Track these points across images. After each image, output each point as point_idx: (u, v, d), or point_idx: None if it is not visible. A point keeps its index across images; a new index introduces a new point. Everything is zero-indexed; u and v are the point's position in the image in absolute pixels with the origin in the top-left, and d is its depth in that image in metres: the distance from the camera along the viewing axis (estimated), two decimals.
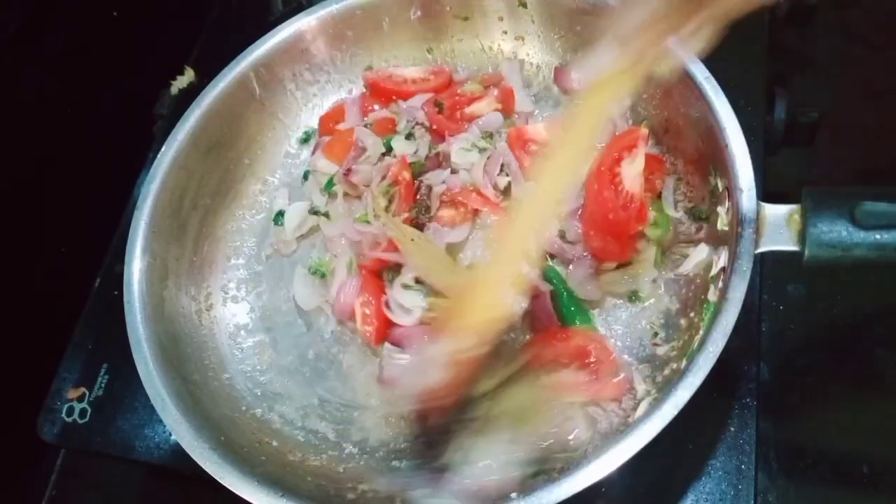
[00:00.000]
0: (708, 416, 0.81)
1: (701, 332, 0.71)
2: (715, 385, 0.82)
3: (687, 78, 0.79)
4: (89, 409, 0.91)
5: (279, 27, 0.96)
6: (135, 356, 0.78)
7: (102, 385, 0.92)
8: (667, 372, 0.77)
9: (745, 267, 0.68)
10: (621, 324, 0.83)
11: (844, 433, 0.81)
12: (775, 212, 0.71)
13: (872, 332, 0.84)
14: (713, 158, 0.79)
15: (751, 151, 0.75)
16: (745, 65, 0.93)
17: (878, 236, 0.65)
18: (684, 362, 0.70)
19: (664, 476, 0.80)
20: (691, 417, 0.81)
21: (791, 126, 0.94)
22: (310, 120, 1.02)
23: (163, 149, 0.90)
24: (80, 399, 0.92)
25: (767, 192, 0.87)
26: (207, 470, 0.71)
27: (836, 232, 0.67)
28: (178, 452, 0.73)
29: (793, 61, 1.00)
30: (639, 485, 0.80)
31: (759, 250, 0.69)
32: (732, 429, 0.80)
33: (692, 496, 0.79)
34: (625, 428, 0.69)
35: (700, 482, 0.79)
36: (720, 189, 0.78)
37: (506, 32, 0.99)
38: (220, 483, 0.69)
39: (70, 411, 0.91)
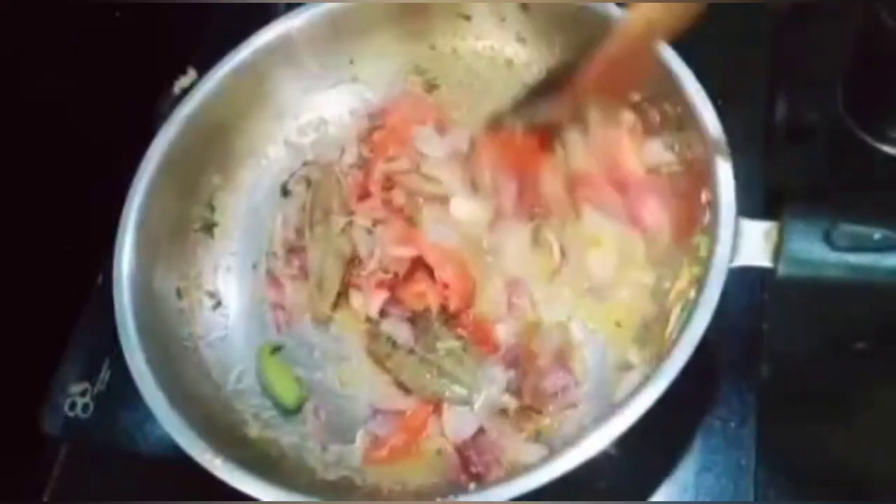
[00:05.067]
0: (707, 412, 0.81)
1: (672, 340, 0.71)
2: (715, 381, 0.84)
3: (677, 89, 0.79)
4: (92, 404, 0.92)
5: (269, 25, 0.96)
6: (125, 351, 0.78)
7: (105, 380, 0.93)
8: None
9: (718, 280, 0.68)
10: None
11: (845, 431, 0.82)
12: (753, 227, 0.71)
13: (875, 331, 0.85)
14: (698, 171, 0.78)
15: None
16: (746, 65, 0.94)
17: (850, 258, 0.68)
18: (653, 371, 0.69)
19: (663, 471, 0.81)
20: (691, 413, 0.83)
21: (791, 126, 0.95)
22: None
23: (155, 139, 0.90)
24: (83, 394, 0.92)
25: (765, 192, 0.89)
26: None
27: (811, 252, 0.68)
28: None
29: (794, 61, 1.00)
30: (636, 479, 0.81)
31: (734, 265, 0.70)
32: (732, 424, 0.81)
33: (691, 491, 0.79)
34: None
35: (700, 477, 0.80)
36: (702, 201, 0.77)
37: (508, 34, 0.99)
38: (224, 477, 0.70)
39: (73, 405, 0.92)
